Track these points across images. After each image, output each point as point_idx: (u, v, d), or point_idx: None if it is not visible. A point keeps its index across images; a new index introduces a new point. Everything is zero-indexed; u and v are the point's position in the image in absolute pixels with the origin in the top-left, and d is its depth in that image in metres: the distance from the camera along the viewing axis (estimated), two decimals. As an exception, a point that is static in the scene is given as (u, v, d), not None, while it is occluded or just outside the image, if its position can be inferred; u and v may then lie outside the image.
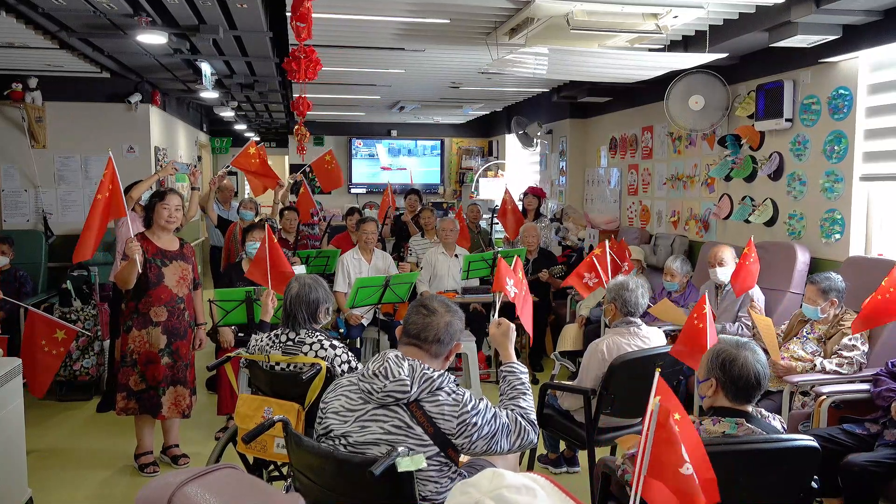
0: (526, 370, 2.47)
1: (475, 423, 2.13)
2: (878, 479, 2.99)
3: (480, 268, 5.94)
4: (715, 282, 4.91)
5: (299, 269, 4.62)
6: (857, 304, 4.03)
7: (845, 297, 4.01)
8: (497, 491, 1.25)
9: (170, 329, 4.09)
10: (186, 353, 4.19)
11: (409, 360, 2.17)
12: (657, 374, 1.87)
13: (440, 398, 2.13)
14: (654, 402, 1.82)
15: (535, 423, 2.35)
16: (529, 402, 2.39)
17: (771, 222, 5.28)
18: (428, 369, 2.16)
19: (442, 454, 2.12)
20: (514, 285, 3.29)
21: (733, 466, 2.26)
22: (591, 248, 7.35)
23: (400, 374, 2.12)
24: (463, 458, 2.35)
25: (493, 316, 2.71)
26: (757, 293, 4.69)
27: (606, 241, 4.92)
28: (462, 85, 7.86)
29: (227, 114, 10.05)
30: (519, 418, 2.29)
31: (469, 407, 2.14)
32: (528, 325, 3.34)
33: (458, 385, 2.22)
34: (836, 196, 4.68)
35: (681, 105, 5.67)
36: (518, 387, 2.41)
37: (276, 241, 4.11)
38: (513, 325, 2.56)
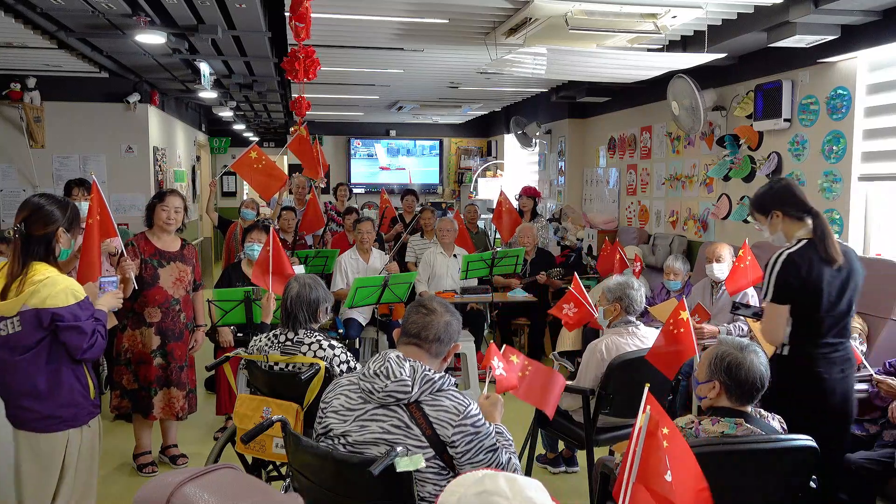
0: (512, 440, 2.35)
1: (476, 434, 2.11)
2: (876, 477, 3.00)
3: (479, 268, 5.95)
4: (711, 278, 4.91)
5: (298, 270, 4.61)
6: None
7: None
8: (523, 493, 1.30)
9: (164, 330, 4.07)
10: (182, 355, 4.16)
11: (410, 360, 2.17)
12: (646, 390, 1.89)
13: (443, 403, 2.11)
14: (642, 417, 1.84)
15: (518, 468, 2.27)
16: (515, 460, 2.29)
17: (769, 222, 5.28)
18: (429, 370, 2.16)
19: (438, 458, 2.11)
20: (503, 368, 2.77)
21: (732, 466, 2.27)
22: (590, 248, 7.36)
23: (401, 374, 2.11)
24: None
25: (484, 389, 2.59)
26: (751, 292, 4.67)
27: (579, 277, 4.59)
28: (461, 85, 7.86)
29: (226, 114, 10.05)
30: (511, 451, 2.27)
31: (470, 422, 2.11)
32: (547, 408, 2.84)
33: (456, 385, 2.21)
34: (834, 196, 4.68)
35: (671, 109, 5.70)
36: (505, 444, 2.29)
37: (279, 244, 4.07)
38: (500, 398, 2.46)
